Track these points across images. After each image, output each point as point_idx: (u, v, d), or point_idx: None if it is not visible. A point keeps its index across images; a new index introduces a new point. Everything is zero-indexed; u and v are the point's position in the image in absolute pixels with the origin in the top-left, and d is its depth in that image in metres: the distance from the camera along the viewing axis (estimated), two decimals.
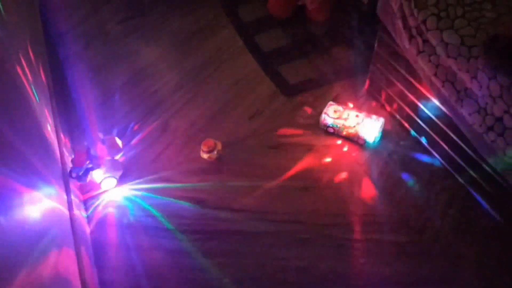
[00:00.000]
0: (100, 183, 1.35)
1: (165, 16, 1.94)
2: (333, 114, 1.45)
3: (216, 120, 1.55)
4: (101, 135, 1.42)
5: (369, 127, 1.42)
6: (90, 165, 1.30)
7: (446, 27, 1.10)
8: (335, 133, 1.47)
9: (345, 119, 1.44)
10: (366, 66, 1.56)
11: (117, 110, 1.61)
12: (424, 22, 1.14)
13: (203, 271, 1.19)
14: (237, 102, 1.60)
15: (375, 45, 1.43)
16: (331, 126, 1.46)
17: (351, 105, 1.54)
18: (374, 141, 1.42)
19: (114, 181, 1.37)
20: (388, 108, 1.52)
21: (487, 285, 1.12)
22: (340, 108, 1.47)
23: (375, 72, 1.50)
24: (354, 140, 1.45)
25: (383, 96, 1.52)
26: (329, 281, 1.14)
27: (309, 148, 1.44)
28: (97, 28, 1.93)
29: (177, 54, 1.80)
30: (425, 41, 1.16)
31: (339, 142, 1.46)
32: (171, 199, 1.35)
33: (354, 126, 1.43)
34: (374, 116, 1.45)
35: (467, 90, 1.08)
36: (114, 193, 1.38)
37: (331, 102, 1.49)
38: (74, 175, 1.28)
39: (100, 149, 1.34)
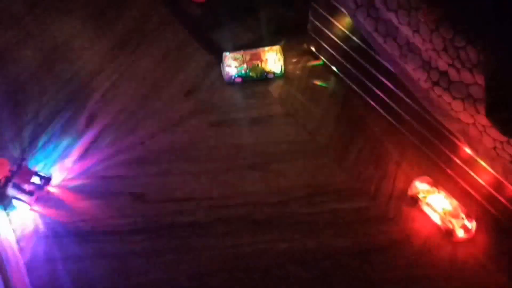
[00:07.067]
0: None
1: None
2: (234, 63, 1.38)
3: (147, 102, 1.39)
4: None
5: (273, 58, 1.39)
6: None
7: None
8: (243, 80, 1.40)
9: (248, 62, 1.38)
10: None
11: (27, 106, 1.39)
12: None
13: (155, 273, 1.08)
14: (168, 78, 1.43)
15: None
16: (237, 76, 1.39)
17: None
18: (281, 71, 1.40)
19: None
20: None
21: None
22: (238, 55, 1.39)
23: (312, 27, 1.40)
24: (267, 77, 1.41)
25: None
26: (288, 260, 1.09)
27: (255, 121, 1.33)
28: None
29: (91, 29, 1.56)
30: None
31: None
32: (106, 197, 1.20)
33: (259, 65, 1.38)
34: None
35: (410, 45, 1.01)
36: (40, 200, 1.21)
37: (225, 54, 1.39)
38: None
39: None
